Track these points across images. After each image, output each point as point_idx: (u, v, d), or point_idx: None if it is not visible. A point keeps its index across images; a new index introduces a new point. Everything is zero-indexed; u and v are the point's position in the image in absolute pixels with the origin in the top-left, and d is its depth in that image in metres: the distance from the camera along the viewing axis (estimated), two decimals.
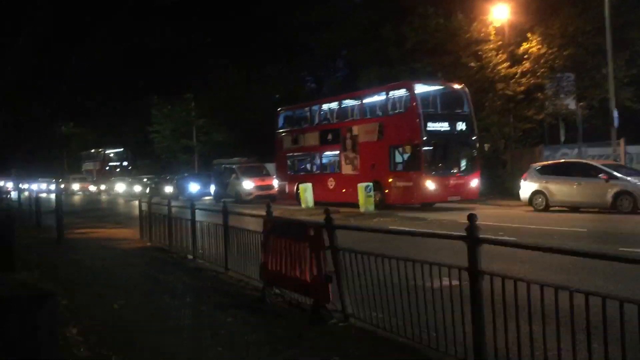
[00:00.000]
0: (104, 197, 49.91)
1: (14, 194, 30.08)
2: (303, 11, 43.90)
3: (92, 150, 64.96)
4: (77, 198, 50.61)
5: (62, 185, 55.08)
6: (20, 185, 48.93)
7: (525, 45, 25.75)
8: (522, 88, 25.97)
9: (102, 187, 54.45)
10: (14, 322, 3.07)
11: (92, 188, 56.98)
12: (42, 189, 52.63)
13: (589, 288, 4.00)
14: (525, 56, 25.87)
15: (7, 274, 4.17)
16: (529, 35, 25.60)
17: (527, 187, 19.79)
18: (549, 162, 21.98)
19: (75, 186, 59.50)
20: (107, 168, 60.77)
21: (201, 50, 43.37)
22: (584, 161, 20.38)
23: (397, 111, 22.88)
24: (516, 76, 26.09)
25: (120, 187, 49.56)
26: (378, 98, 24.22)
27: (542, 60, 25.42)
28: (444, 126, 21.87)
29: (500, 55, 26.41)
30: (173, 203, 14.17)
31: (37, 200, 22.69)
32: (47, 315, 3.20)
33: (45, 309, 3.16)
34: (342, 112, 26.03)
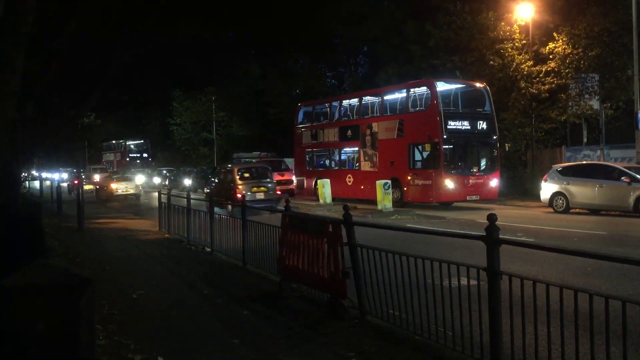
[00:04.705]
0: None
1: (36, 184, 30.55)
2: (327, 7, 43.77)
3: (113, 141, 65.52)
4: None
5: (83, 175, 55.57)
6: (42, 175, 49.60)
7: (551, 45, 25.40)
8: (547, 87, 25.65)
9: None
10: (58, 307, 3.12)
11: None
12: (64, 178, 53.25)
13: (609, 291, 3.96)
14: (551, 56, 25.53)
15: (41, 260, 4.23)
16: (555, 35, 25.24)
17: (547, 188, 19.57)
18: (571, 163, 21.71)
19: (96, 176, 60.05)
20: (128, 159, 61.29)
21: (224, 43, 43.62)
22: (606, 163, 20.09)
23: (417, 109, 22.73)
24: (540, 75, 25.78)
25: (140, 178, 49.94)
26: (399, 95, 24.08)
27: (567, 61, 25.08)
28: (464, 125, 21.69)
29: (523, 55, 26.12)
30: (192, 196, 14.27)
31: (59, 189, 22.99)
32: (87, 302, 3.25)
33: (86, 295, 3.22)
34: (362, 109, 25.92)
